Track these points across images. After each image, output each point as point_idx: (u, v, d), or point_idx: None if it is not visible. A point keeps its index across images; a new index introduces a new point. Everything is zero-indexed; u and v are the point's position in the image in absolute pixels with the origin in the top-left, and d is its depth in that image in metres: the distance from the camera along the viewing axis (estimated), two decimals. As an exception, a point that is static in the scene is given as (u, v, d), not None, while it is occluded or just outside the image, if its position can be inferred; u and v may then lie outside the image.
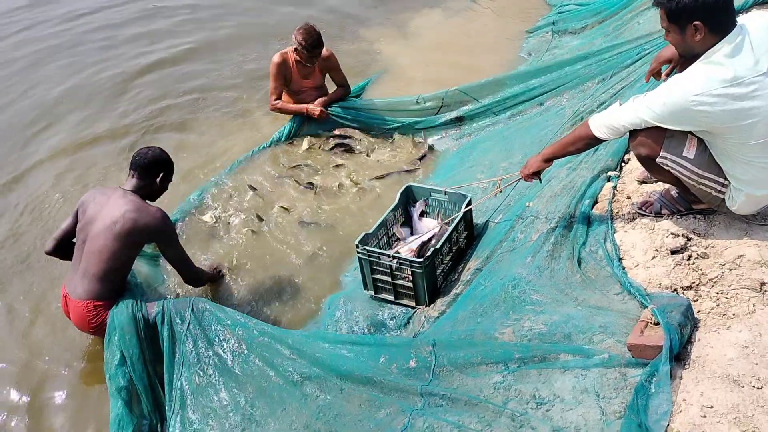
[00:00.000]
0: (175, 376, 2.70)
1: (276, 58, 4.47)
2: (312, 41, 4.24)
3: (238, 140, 4.72)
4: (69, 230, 3.05)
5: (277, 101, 4.59)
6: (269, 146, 4.50)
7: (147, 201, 3.03)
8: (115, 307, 2.83)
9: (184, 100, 5.38)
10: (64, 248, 3.06)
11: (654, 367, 1.90)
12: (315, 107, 4.50)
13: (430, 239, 3.23)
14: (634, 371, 1.97)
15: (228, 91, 5.44)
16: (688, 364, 1.98)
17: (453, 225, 3.12)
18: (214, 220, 3.85)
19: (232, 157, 4.46)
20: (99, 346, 2.96)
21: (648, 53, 3.89)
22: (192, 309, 2.84)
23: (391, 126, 4.56)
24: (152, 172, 3.04)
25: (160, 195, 3.16)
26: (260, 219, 3.84)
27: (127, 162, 3.45)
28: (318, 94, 4.68)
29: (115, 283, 2.91)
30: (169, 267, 3.28)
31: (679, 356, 1.99)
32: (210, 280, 3.38)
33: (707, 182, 2.41)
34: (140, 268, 3.34)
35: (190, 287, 3.33)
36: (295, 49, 4.34)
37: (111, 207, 2.90)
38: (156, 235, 2.98)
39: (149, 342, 2.79)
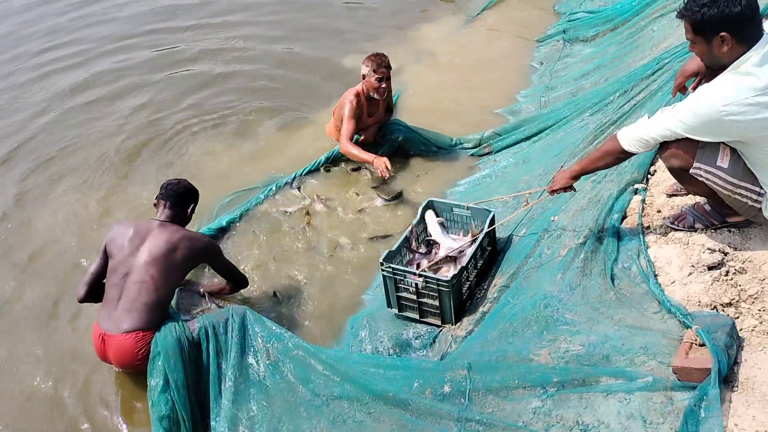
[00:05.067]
0: (221, 387, 2.69)
1: (352, 96, 4.22)
2: (386, 60, 4.18)
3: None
4: (100, 272, 3.02)
5: (350, 143, 4.20)
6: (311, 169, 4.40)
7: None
8: (158, 332, 2.80)
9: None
10: (96, 292, 3.03)
11: (703, 390, 1.83)
12: (378, 161, 3.99)
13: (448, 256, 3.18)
14: (681, 395, 1.90)
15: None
16: (737, 386, 1.91)
17: (478, 242, 3.07)
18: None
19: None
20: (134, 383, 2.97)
21: (668, 62, 3.84)
22: (233, 317, 2.85)
23: (426, 151, 4.54)
24: (184, 202, 3.17)
25: (187, 223, 3.22)
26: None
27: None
28: (378, 128, 4.55)
29: (164, 311, 2.91)
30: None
31: (727, 378, 1.92)
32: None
33: (742, 191, 2.35)
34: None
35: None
36: (364, 77, 4.18)
37: (156, 238, 2.95)
38: (210, 256, 3.15)
39: (193, 365, 2.76)
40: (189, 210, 3.21)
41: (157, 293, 2.85)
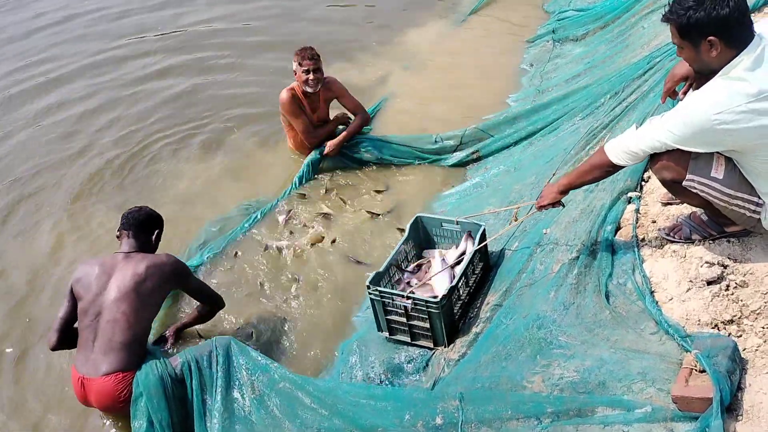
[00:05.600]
0: (207, 425, 2.60)
1: (284, 94, 4.29)
2: (310, 51, 4.18)
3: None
4: (69, 316, 2.88)
5: (314, 132, 4.40)
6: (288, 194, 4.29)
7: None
8: (139, 372, 2.68)
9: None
10: (69, 338, 2.89)
11: (704, 422, 1.73)
12: (328, 145, 4.38)
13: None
14: (682, 426, 1.80)
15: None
16: (741, 415, 1.80)
17: (467, 259, 2.95)
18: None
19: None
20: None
21: (659, 60, 3.73)
22: (216, 349, 2.74)
23: (408, 161, 4.44)
24: (147, 230, 3.03)
25: (154, 251, 3.08)
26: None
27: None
28: (328, 126, 4.51)
29: (141, 347, 2.78)
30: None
31: (731, 406, 1.81)
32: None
33: (740, 202, 2.24)
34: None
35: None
36: (295, 73, 4.22)
37: (122, 272, 2.81)
38: (180, 277, 2.98)
39: (177, 402, 2.65)
40: (153, 237, 3.06)
41: (132, 330, 2.72)
